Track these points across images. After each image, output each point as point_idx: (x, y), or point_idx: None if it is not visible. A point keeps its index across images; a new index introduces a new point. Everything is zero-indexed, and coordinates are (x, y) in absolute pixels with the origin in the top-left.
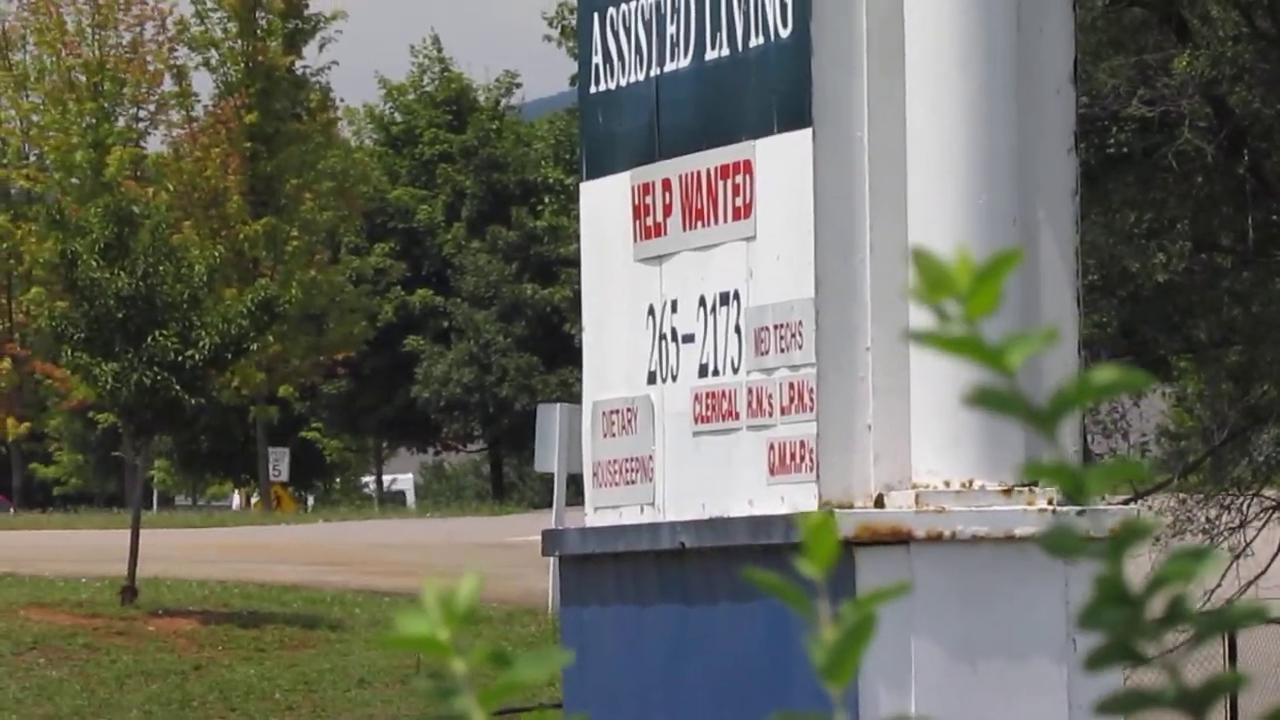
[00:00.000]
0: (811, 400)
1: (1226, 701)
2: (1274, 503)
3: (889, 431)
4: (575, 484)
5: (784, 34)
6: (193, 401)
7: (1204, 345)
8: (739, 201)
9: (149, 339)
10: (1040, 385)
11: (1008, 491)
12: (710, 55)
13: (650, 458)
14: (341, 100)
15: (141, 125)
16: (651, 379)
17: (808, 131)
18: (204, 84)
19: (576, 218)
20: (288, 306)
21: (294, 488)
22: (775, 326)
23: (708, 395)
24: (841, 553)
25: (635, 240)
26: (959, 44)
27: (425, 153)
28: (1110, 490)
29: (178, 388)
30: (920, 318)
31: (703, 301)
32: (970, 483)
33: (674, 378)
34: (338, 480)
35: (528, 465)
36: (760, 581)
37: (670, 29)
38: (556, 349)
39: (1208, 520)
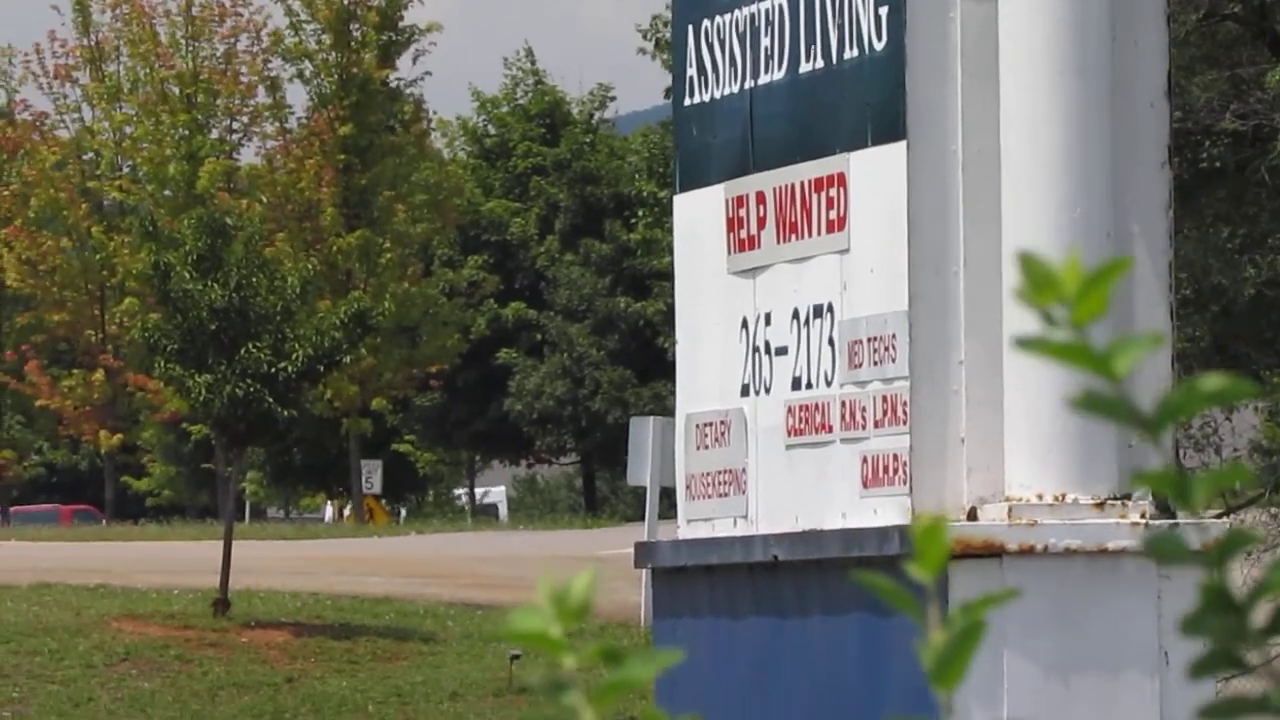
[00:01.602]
0: (905, 413)
1: None
2: None
3: (982, 445)
4: (668, 497)
5: (879, 47)
6: (285, 414)
7: None
8: (833, 214)
9: (242, 351)
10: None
11: (1100, 505)
12: (805, 68)
13: (743, 470)
14: (435, 113)
15: (235, 137)
16: (745, 392)
17: (902, 144)
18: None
19: (670, 231)
20: (380, 319)
21: (386, 500)
22: (869, 339)
23: (801, 408)
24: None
25: (729, 253)
26: (1054, 57)
27: (519, 165)
28: (1211, 500)
29: (270, 400)
30: (1016, 328)
31: (796, 314)
32: (1063, 496)
33: (767, 390)
34: (430, 493)
35: (620, 479)
36: (870, 583)
37: (765, 41)
38: (649, 362)
39: None
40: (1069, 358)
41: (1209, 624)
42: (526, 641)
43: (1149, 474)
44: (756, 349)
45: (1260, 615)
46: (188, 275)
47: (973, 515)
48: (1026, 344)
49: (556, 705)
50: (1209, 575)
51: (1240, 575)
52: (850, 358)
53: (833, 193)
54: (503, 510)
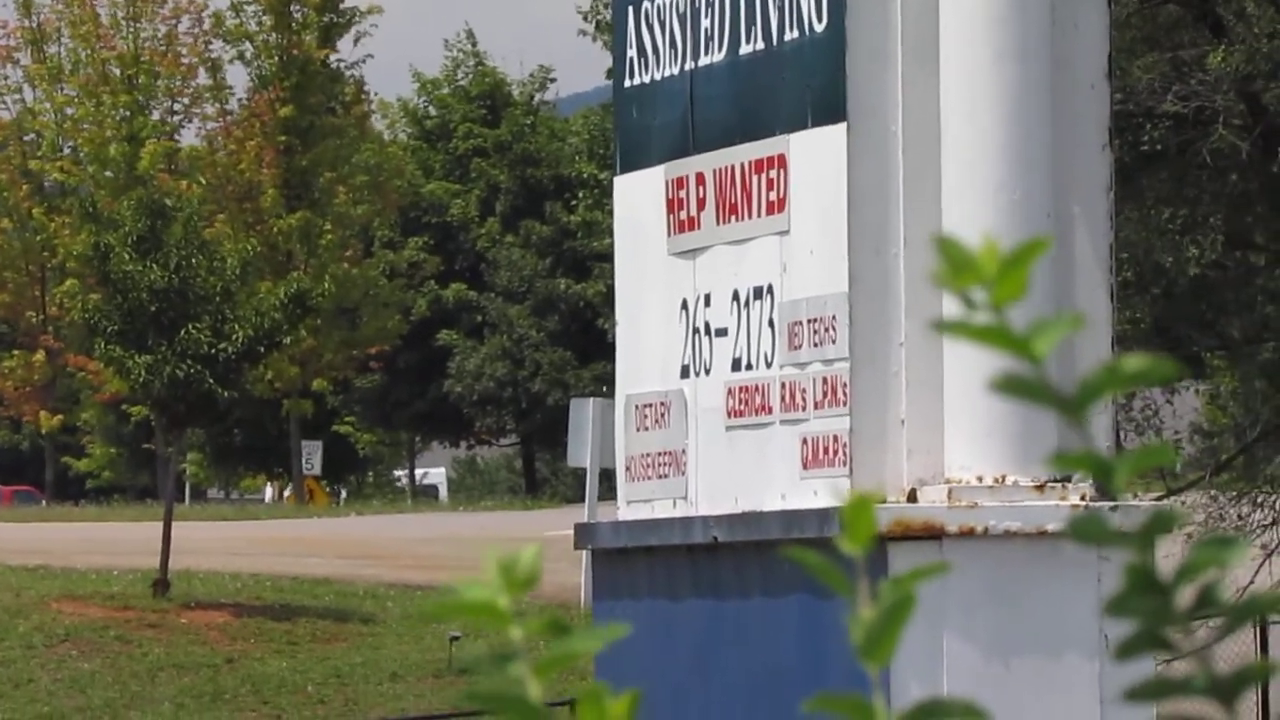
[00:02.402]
0: (845, 395)
1: (1258, 691)
2: None
3: (922, 426)
4: (608, 479)
5: (819, 28)
6: (225, 394)
7: (1237, 342)
8: (773, 196)
9: (182, 332)
10: (1074, 380)
11: (1040, 487)
12: (745, 49)
13: (683, 452)
14: (376, 94)
15: (175, 119)
16: (685, 373)
17: (842, 126)
18: (238, 77)
19: (610, 212)
20: (321, 300)
21: (327, 481)
22: (809, 321)
23: (741, 389)
24: (875, 546)
25: (669, 234)
26: (993, 38)
27: (459, 147)
28: (1141, 481)
29: (210, 381)
30: (956, 310)
31: (736, 296)
32: (1003, 478)
33: (707, 372)
34: (370, 474)
35: (560, 460)
36: (801, 560)
37: (705, 23)
38: (590, 344)
39: (1240, 517)
40: (989, 340)
41: (1134, 605)
42: (473, 613)
43: (1069, 454)
44: (696, 330)
45: (1186, 597)
46: (127, 256)
47: (912, 497)
48: (946, 327)
49: (502, 676)
50: (1133, 556)
51: (1179, 559)
52: (790, 339)
53: (773, 174)
54: (443, 491)
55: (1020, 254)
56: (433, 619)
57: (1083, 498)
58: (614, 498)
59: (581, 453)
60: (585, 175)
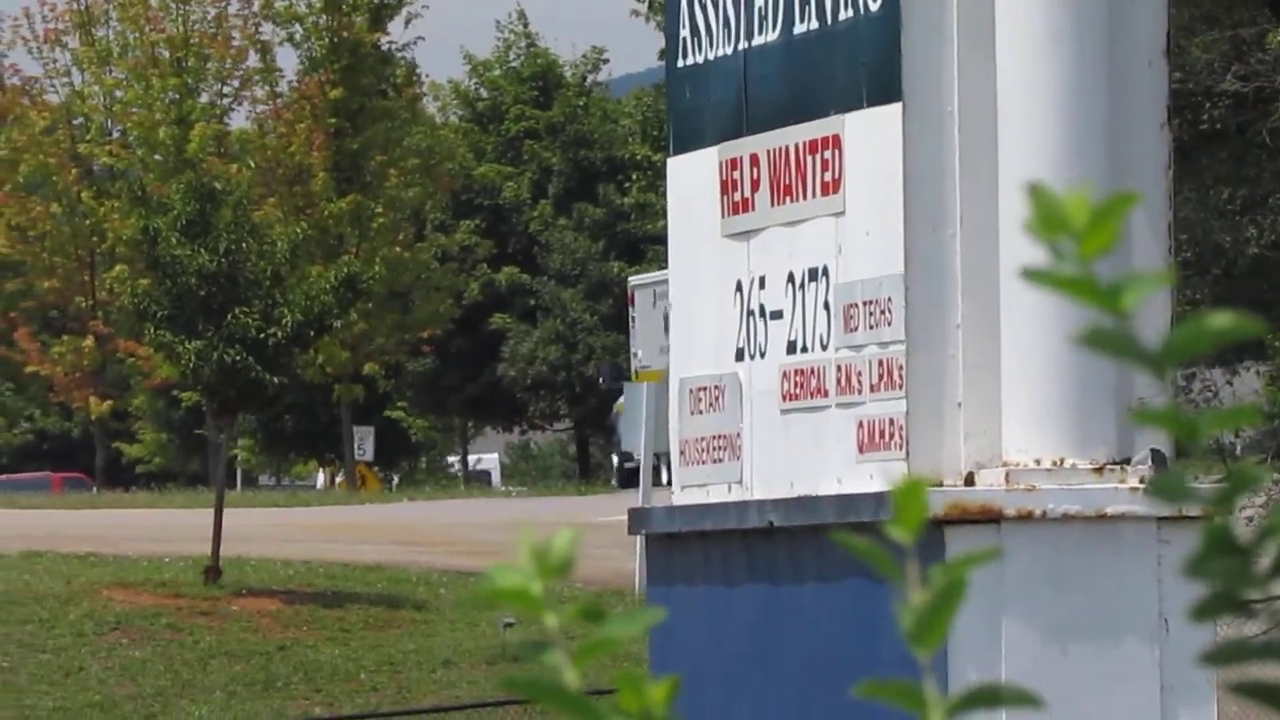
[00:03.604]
0: (901, 378)
1: None
2: None
3: (979, 409)
4: (649, 464)
5: (874, 7)
6: (275, 380)
7: None
8: (828, 176)
9: (230, 317)
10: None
11: (1099, 470)
12: (799, 28)
13: (738, 435)
14: (427, 76)
15: (225, 101)
16: (739, 356)
17: (897, 105)
18: (288, 60)
19: (664, 194)
20: (372, 284)
21: (379, 467)
22: (864, 303)
23: (796, 373)
24: (931, 531)
25: (723, 216)
26: (1050, 16)
27: (511, 129)
28: (1200, 464)
29: (259, 366)
30: (1014, 291)
31: (791, 278)
32: (1061, 461)
33: (762, 355)
34: (423, 460)
35: (612, 446)
36: (849, 545)
37: (758, 2)
38: None
39: None
40: (1076, 291)
41: (1212, 566)
42: (507, 599)
43: (1151, 410)
44: (751, 313)
45: (1265, 559)
46: (176, 240)
47: (970, 480)
48: (1033, 276)
49: (539, 664)
50: (1213, 517)
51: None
52: (846, 321)
53: (827, 155)
54: (495, 477)
55: (1110, 206)
56: (469, 606)
57: (1141, 480)
58: (668, 483)
59: (635, 437)
60: (638, 157)
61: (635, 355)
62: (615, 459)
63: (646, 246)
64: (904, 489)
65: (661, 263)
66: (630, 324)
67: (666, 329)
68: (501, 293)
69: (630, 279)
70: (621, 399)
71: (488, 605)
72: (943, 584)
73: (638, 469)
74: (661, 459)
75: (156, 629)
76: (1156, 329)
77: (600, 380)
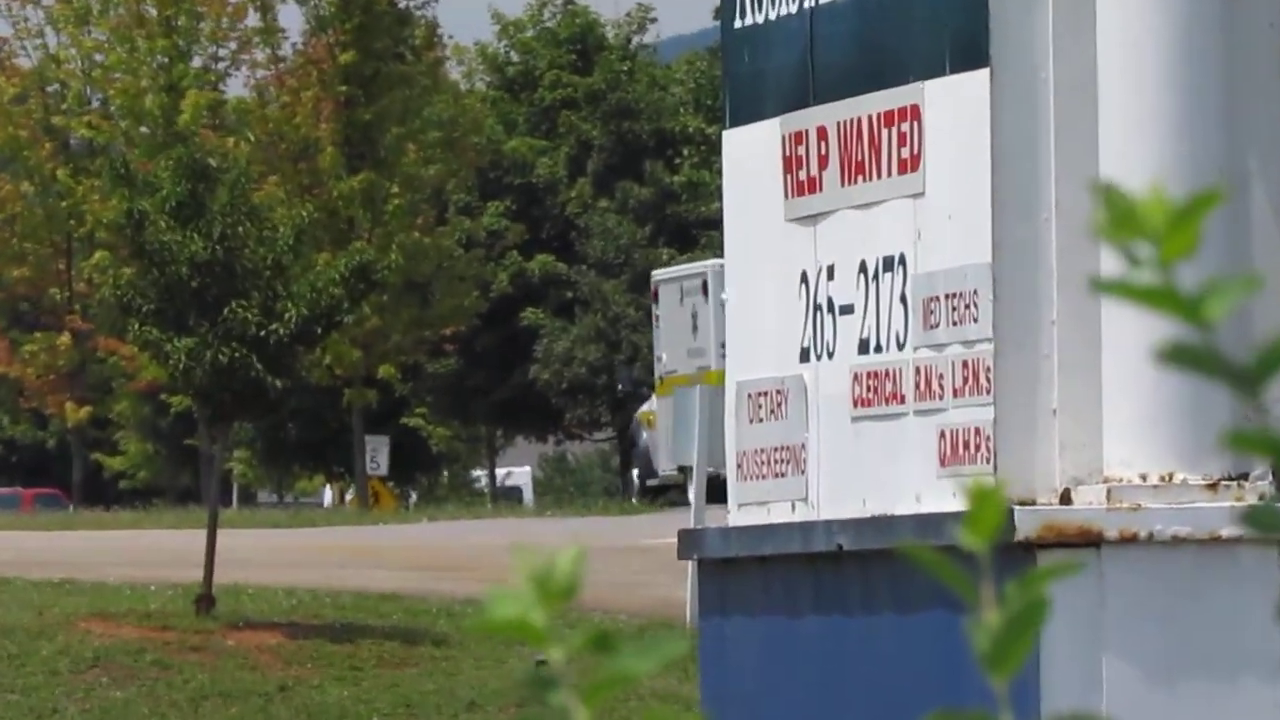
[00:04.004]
0: (988, 381)
1: None
2: None
3: (1077, 417)
4: (716, 482)
5: None
6: (277, 383)
7: None
8: (905, 152)
9: (227, 311)
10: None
11: (1213, 486)
12: None
13: (803, 447)
14: (450, 38)
15: (221, 66)
16: (805, 356)
17: (985, 72)
18: (293, 19)
19: (719, 172)
20: (387, 274)
21: (394, 482)
22: (947, 296)
23: (869, 375)
24: (1022, 555)
25: (786, 197)
26: None
27: (546, 98)
28: None
29: (259, 367)
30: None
31: (864, 267)
32: (1170, 476)
33: (830, 355)
34: (444, 474)
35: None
36: (915, 555)
37: None
38: None
39: None
40: (1153, 301)
41: None
42: (504, 631)
43: (1244, 433)
44: (818, 307)
45: None
46: (165, 224)
47: (1066, 498)
48: (1104, 286)
49: (543, 705)
50: None
51: None
52: (925, 317)
53: (905, 127)
54: (528, 494)
55: (1192, 205)
56: (471, 634)
57: (1261, 497)
58: (723, 501)
59: (686, 449)
60: (690, 130)
61: (659, 359)
62: (635, 474)
63: (699, 232)
64: (978, 492)
65: (716, 250)
66: (654, 323)
67: (695, 328)
68: (534, 284)
69: (654, 273)
70: (645, 406)
71: (484, 636)
72: (1022, 603)
73: (661, 487)
74: (687, 473)
75: (141, 666)
76: (1278, 325)
77: (619, 386)
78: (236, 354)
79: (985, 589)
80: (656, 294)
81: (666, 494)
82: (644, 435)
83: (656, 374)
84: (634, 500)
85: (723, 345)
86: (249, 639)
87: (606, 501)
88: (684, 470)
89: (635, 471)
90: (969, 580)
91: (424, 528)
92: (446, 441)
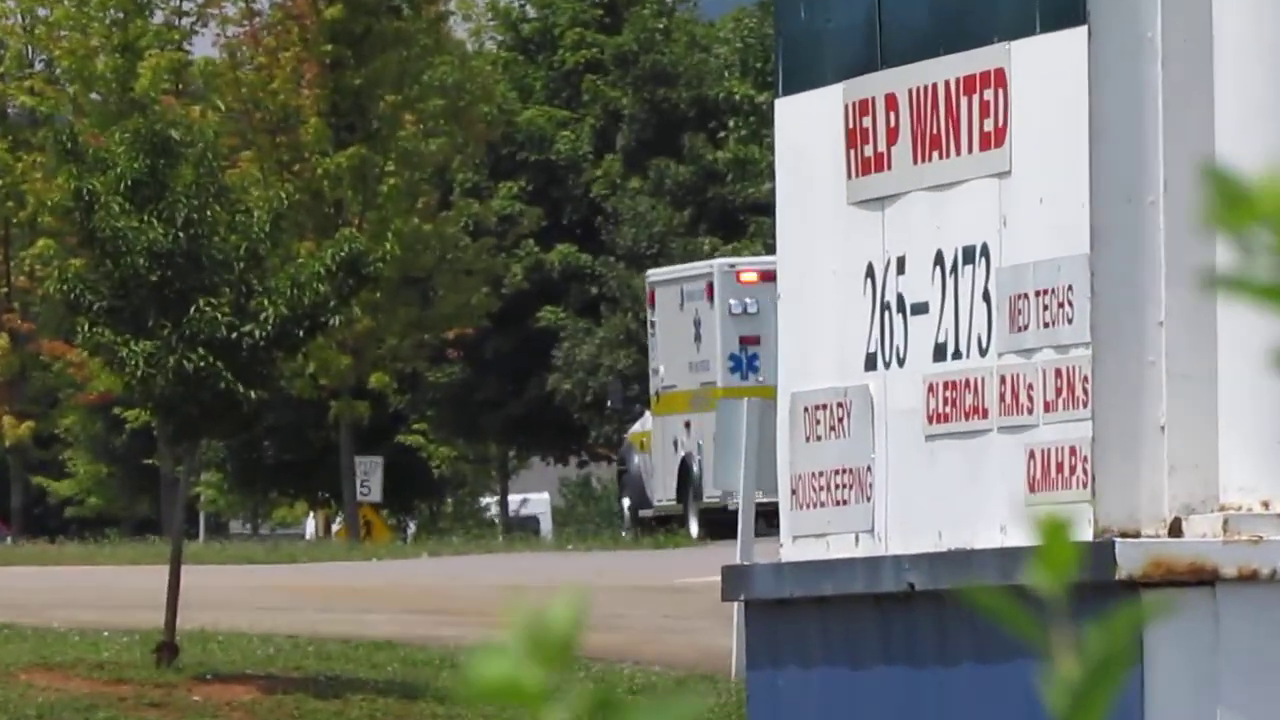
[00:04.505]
0: (1086, 392)
1: None
2: None
3: (1189, 434)
4: (763, 513)
5: None
6: (252, 394)
7: None
8: (988, 125)
9: (193, 310)
10: None
11: None
12: None
13: (868, 469)
14: None
15: (185, 23)
16: (871, 364)
17: (1082, 30)
18: None
19: (770, 148)
20: (381, 267)
21: (389, 511)
22: (1037, 293)
23: (946, 385)
24: (1123, 595)
25: (849, 177)
26: None
27: (567, 61)
28: None
29: (230, 376)
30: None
31: (939, 259)
32: None
33: (900, 362)
34: (448, 501)
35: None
36: (982, 600)
37: None
38: None
39: None
40: (1271, 299)
41: None
42: (493, 696)
43: None
44: (886, 306)
45: None
46: (119, 207)
47: (1176, 529)
48: (1217, 282)
49: None
50: None
51: None
52: (1012, 318)
53: (989, 95)
54: (545, 524)
55: None
56: (459, 702)
57: None
58: (775, 532)
59: (732, 471)
60: (736, 98)
61: (655, 372)
62: (626, 504)
63: (747, 217)
64: (1049, 526)
65: (767, 238)
66: (649, 332)
67: (698, 338)
68: (553, 279)
69: (649, 273)
70: (637, 426)
71: (472, 702)
72: (1102, 651)
73: (656, 518)
74: (689, 500)
75: None
76: None
77: (609, 402)
78: (204, 360)
79: (1064, 636)
80: (653, 297)
81: (665, 526)
82: (636, 459)
83: (652, 389)
84: (624, 534)
85: (731, 357)
86: (218, 694)
87: (636, 533)
88: (728, 495)
89: (626, 501)
90: (1039, 625)
91: (424, 564)
92: (450, 463)
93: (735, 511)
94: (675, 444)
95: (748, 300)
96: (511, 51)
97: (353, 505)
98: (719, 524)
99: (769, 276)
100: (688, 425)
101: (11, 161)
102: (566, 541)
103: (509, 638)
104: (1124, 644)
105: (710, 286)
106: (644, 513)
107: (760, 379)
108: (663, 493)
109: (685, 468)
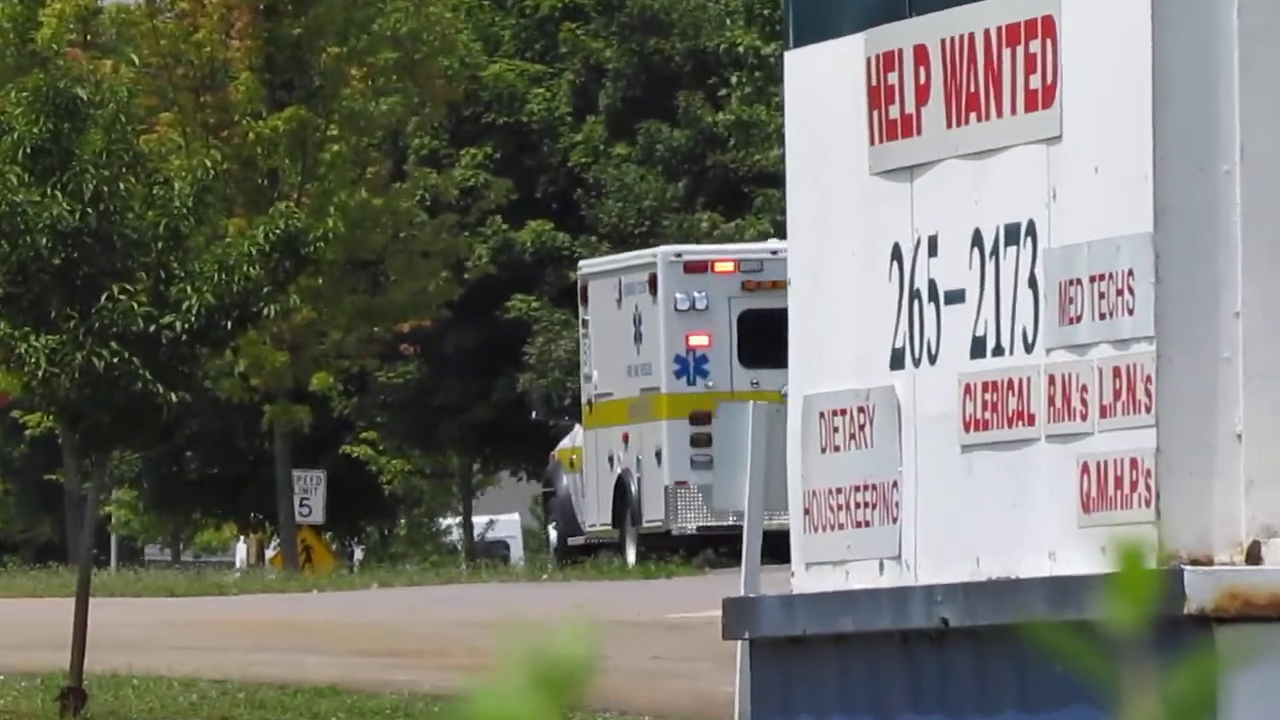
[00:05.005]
0: (1149, 395)
1: None
2: None
3: (1270, 444)
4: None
5: None
6: (172, 397)
7: None
8: (1035, 81)
9: (104, 298)
10: None
11: None
12: None
13: (894, 485)
14: None
15: None
16: (897, 361)
17: None
18: None
19: (779, 108)
20: (323, 247)
21: (332, 534)
22: (1092, 279)
23: (986, 387)
24: (1195, 630)
25: (872, 142)
26: None
27: (542, 6)
28: None
29: (147, 375)
30: None
31: (978, 239)
32: None
33: (932, 359)
34: (402, 522)
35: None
36: (1047, 638)
37: None
38: None
39: None
40: None
41: None
42: None
43: None
44: (915, 293)
45: None
46: (16, 179)
47: (1254, 555)
48: None
49: None
50: None
51: None
52: (1063, 308)
53: (1035, 47)
54: (516, 549)
55: None
56: None
57: None
58: (785, 559)
59: (734, 488)
60: (740, 49)
61: (587, 378)
62: (553, 530)
63: (752, 189)
64: (1129, 551)
65: (775, 213)
66: (581, 331)
67: (638, 338)
68: (525, 261)
69: (581, 264)
70: (566, 441)
71: None
72: (1185, 696)
73: (585, 546)
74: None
75: None
76: None
77: (532, 413)
78: (116, 357)
79: (1139, 679)
80: (585, 292)
81: (594, 556)
82: (564, 480)
83: (584, 398)
84: (550, 564)
85: (677, 359)
86: None
87: (621, 560)
88: (735, 515)
89: (552, 526)
90: (1118, 669)
91: (373, 596)
92: (404, 478)
93: (679, 537)
94: (611, 460)
95: (696, 295)
96: None
97: (290, 528)
98: (660, 550)
99: (717, 267)
100: (625, 438)
101: None
102: (541, 570)
103: (512, 677)
104: (1207, 693)
105: (654, 279)
106: (573, 540)
107: (710, 384)
108: (595, 517)
109: (622, 487)
